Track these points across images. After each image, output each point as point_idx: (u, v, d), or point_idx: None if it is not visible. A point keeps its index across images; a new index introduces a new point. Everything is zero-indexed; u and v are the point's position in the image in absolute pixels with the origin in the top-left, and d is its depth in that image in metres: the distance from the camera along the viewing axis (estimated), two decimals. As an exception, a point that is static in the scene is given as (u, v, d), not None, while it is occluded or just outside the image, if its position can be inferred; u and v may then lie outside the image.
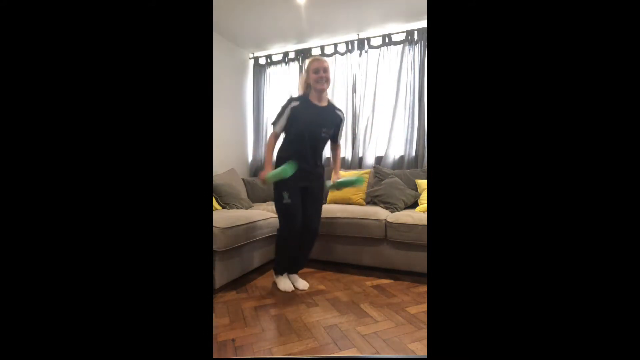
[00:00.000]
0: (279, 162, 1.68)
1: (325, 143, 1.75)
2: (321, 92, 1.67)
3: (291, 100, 1.68)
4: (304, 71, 1.71)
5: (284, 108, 1.67)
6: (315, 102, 1.68)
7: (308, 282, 1.83)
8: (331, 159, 1.91)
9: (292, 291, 1.72)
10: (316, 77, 1.63)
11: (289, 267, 1.81)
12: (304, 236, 1.74)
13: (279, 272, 1.79)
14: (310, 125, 1.65)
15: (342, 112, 1.78)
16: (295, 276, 1.83)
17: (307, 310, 1.48)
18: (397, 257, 1.96)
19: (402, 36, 2.76)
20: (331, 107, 1.73)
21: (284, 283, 1.76)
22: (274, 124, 1.70)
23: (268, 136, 2.93)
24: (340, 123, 1.77)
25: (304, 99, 1.68)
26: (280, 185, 1.64)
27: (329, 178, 1.83)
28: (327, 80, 1.65)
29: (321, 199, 1.79)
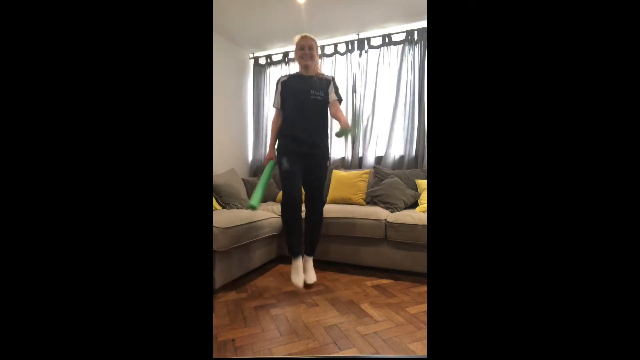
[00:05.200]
0: (281, 140, 1.78)
1: (320, 107, 1.77)
2: (305, 67, 1.78)
3: (280, 77, 1.85)
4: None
5: (276, 86, 1.84)
6: (302, 74, 1.80)
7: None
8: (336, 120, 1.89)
9: (299, 288, 1.68)
10: (301, 53, 1.75)
11: (300, 246, 1.76)
12: (308, 212, 1.78)
13: (292, 253, 1.74)
14: (299, 91, 1.75)
15: (329, 76, 1.86)
16: (309, 262, 1.78)
17: (307, 310, 1.48)
18: (397, 257, 1.96)
19: (402, 36, 2.76)
20: (318, 75, 1.82)
21: (296, 275, 1.69)
22: (274, 104, 1.85)
23: (269, 135, 3.00)
24: (328, 84, 1.81)
25: (291, 74, 1.85)
26: (280, 152, 1.74)
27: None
28: (312, 57, 1.76)
29: (322, 175, 1.80)
